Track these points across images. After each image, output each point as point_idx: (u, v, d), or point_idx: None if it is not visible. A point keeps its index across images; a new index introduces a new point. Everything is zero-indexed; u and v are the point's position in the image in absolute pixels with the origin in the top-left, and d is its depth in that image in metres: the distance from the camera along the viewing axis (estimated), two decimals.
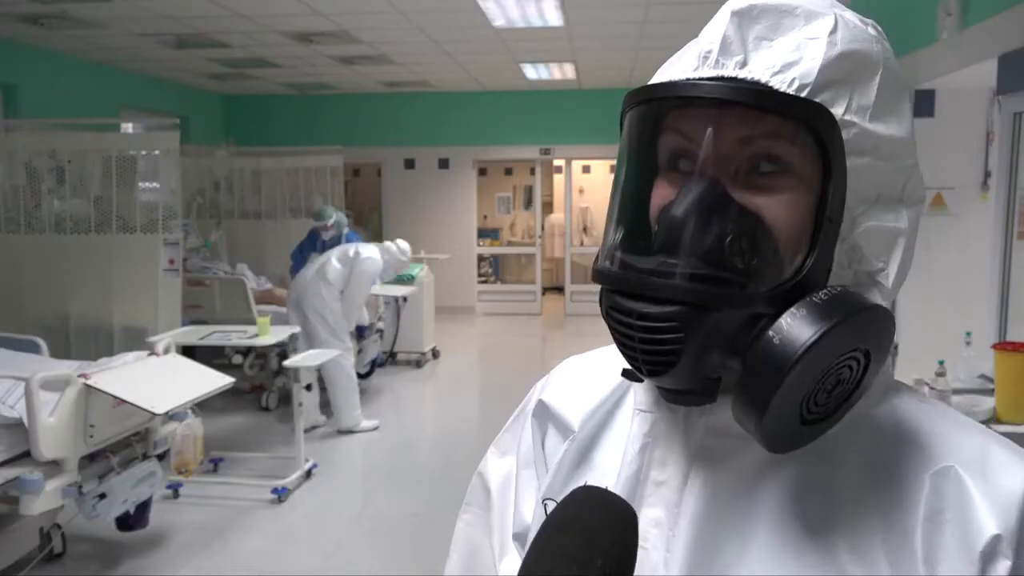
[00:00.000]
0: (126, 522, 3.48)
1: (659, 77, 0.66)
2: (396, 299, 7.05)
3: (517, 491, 0.78)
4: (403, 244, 5.86)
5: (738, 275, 0.59)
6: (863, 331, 0.57)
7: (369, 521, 4.14)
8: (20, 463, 3.01)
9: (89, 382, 3.05)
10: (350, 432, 5.44)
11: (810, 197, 0.59)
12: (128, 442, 3.40)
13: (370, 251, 5.50)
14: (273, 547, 3.77)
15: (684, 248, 0.59)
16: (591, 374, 0.78)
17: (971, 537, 0.57)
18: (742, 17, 0.61)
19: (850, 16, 0.63)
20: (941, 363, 2.62)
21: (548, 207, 12.02)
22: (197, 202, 7.87)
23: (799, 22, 0.61)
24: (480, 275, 10.92)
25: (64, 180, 4.63)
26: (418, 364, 7.54)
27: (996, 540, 0.56)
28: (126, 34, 6.52)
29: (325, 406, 5.58)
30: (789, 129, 0.59)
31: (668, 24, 6.16)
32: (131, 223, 4.52)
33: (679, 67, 0.64)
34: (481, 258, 10.95)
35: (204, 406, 3.75)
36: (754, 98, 0.58)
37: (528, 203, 11.65)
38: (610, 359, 0.74)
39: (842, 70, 0.59)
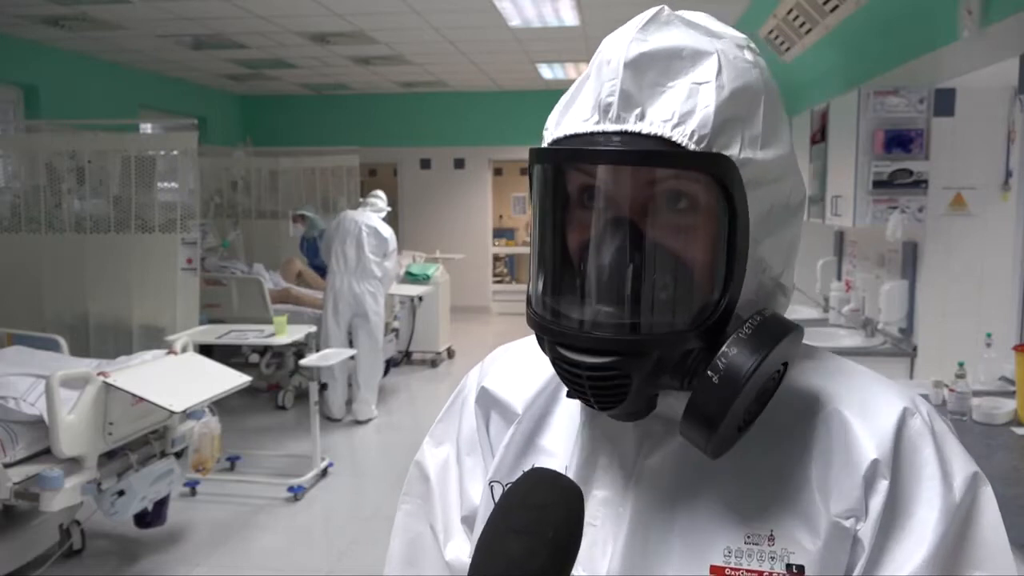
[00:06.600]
0: (144, 519, 3.51)
1: (559, 126, 0.67)
2: (411, 299, 7.06)
3: (462, 476, 0.83)
4: (380, 194, 5.94)
5: (667, 314, 0.64)
6: (784, 351, 0.63)
7: (385, 520, 4.14)
8: (40, 460, 3.04)
9: (108, 380, 3.08)
10: (368, 421, 5.66)
11: (716, 229, 0.63)
12: (146, 440, 3.43)
13: (380, 225, 5.66)
14: (289, 545, 3.79)
15: (614, 297, 0.63)
16: (528, 361, 0.81)
17: (854, 464, 0.64)
18: (635, 68, 0.62)
19: (728, 46, 0.65)
20: (961, 365, 2.59)
21: None
22: (215, 202, 7.92)
23: (687, 65, 0.63)
24: (495, 275, 10.93)
25: (84, 180, 4.67)
26: (433, 364, 7.55)
27: (875, 464, 0.64)
28: (145, 35, 6.58)
29: (348, 403, 5.71)
30: (692, 173, 0.62)
31: None
32: (150, 223, 4.55)
33: (578, 115, 0.65)
34: (497, 258, 10.95)
35: (221, 404, 3.77)
36: (659, 159, 0.62)
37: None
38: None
39: (732, 109, 0.62)
